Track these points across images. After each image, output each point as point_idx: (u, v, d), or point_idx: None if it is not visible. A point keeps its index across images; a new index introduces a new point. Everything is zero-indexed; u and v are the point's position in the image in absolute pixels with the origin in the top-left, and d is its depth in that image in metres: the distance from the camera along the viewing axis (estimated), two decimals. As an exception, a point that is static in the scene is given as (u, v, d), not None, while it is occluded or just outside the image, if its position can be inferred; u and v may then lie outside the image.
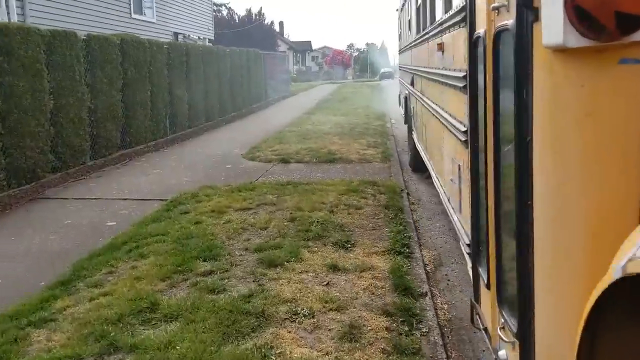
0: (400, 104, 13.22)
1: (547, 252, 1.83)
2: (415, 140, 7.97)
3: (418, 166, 8.91)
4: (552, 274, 1.82)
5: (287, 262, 4.85)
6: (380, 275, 4.56)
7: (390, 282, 4.41)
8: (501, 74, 2.31)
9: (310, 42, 78.69)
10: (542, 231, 1.85)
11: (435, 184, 5.40)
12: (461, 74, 3.18)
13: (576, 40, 1.50)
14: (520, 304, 2.05)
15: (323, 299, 4.09)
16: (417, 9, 7.28)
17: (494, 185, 2.43)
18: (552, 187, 1.77)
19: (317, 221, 6.03)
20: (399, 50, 12.95)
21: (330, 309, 3.94)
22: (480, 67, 2.71)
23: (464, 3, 3.05)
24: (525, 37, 1.87)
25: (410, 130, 9.03)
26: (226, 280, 4.51)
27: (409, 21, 8.80)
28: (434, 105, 4.91)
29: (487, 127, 2.52)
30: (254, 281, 4.50)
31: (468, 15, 2.96)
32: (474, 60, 2.86)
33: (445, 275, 5.00)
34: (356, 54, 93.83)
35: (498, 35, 2.28)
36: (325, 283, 4.41)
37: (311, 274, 4.61)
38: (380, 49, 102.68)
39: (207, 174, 9.48)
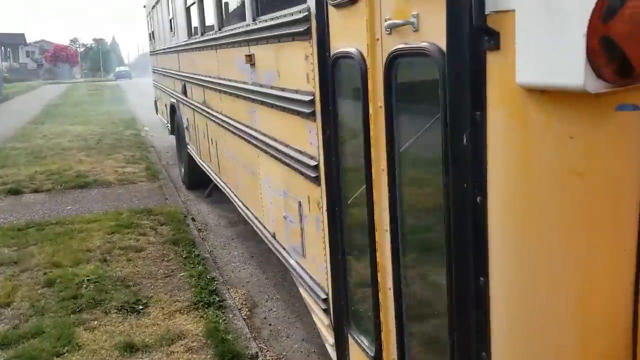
0: (158, 111, 12.19)
1: (517, 349, 1.49)
2: (195, 156, 7.24)
3: (194, 183, 8.21)
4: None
5: (57, 355, 3.59)
6: (195, 344, 3.75)
7: (211, 350, 3.66)
8: (400, 109, 1.90)
9: (23, 34, 68.43)
10: (507, 323, 1.50)
11: (241, 211, 4.83)
12: (306, 98, 2.70)
13: (598, 84, 1.16)
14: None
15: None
16: (188, 9, 6.55)
17: (391, 242, 2.02)
18: (525, 265, 1.44)
19: (88, 279, 4.76)
20: (153, 51, 11.88)
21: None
22: (349, 96, 2.28)
23: (307, 12, 2.57)
24: (470, 70, 1.48)
25: (183, 143, 8.22)
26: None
27: (172, 21, 7.97)
28: (238, 125, 4.34)
29: (374, 171, 2.10)
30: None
31: (316, 28, 2.50)
32: (330, 84, 2.41)
33: (264, 318, 4.49)
34: (82, 49, 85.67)
35: (394, 60, 1.86)
36: (126, 375, 3.41)
37: (100, 366, 3.52)
38: (112, 45, 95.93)
39: None
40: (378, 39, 1.97)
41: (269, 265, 5.39)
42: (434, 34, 1.65)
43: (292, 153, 3.04)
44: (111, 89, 38.06)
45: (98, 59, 75.58)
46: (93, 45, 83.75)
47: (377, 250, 2.15)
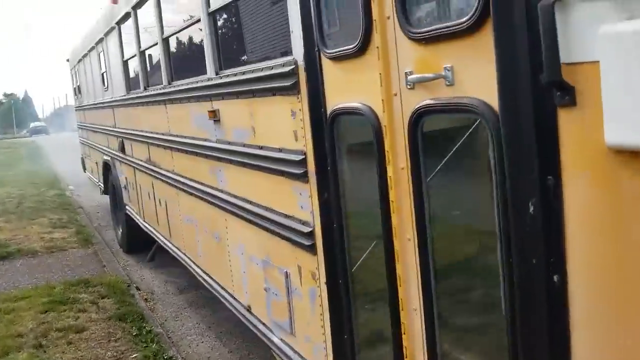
0: (87, 169, 11.45)
1: None
2: (137, 218, 6.71)
3: (134, 246, 7.62)
4: None
5: None
6: None
7: None
8: (431, 172, 1.70)
9: None
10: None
11: (202, 280, 4.40)
12: (295, 157, 2.45)
13: None
14: None
15: None
16: (126, 62, 6.20)
17: (425, 326, 1.77)
18: None
19: (22, 373, 4.14)
20: (79, 106, 11.26)
21: None
22: (355, 156, 2.07)
23: (294, 65, 2.36)
24: (535, 129, 1.31)
25: (120, 204, 7.66)
26: None
27: (105, 74, 7.55)
28: (197, 185, 3.99)
29: (397, 242, 1.87)
30: None
31: (306, 82, 2.28)
32: (328, 142, 2.18)
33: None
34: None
35: (419, 118, 1.68)
36: None
37: None
38: (25, 99, 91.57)
39: None
40: (396, 94, 1.78)
41: (230, 337, 4.93)
42: (476, 88, 1.48)
43: (276, 218, 2.75)
44: (27, 146, 35.90)
45: (10, 114, 71.71)
46: (4, 101, 79.65)
47: (403, 332, 1.89)
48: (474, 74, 1.48)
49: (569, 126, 1.26)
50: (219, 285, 3.94)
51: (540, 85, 1.28)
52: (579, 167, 1.26)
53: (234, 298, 3.63)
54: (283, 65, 2.47)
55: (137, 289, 6.29)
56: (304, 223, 2.50)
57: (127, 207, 7.30)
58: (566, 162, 1.27)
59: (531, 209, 1.35)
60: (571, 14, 1.19)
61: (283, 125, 2.56)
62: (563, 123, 1.26)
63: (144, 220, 6.37)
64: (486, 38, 1.40)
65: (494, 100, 1.42)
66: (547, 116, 1.28)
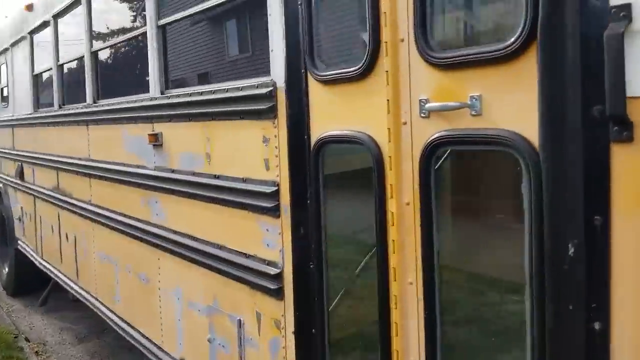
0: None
1: None
2: (33, 255, 6.03)
3: (22, 287, 6.84)
4: None
5: None
6: None
7: None
8: (444, 209, 1.61)
9: None
10: None
11: (118, 329, 3.95)
12: (264, 189, 2.27)
13: None
14: None
15: None
16: (36, 77, 5.70)
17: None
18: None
19: None
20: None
21: None
22: (344, 188, 1.95)
23: (272, 87, 2.22)
24: (583, 165, 1.27)
25: (10, 238, 6.87)
26: None
27: (6, 89, 6.90)
28: (122, 219, 3.62)
29: (394, 286, 1.74)
30: None
31: (287, 106, 2.15)
32: (312, 173, 2.05)
33: None
34: None
35: (435, 149, 1.60)
36: None
37: None
38: None
39: None
40: (405, 123, 1.70)
41: (143, 394, 4.46)
42: (509, 119, 1.43)
43: (231, 257, 2.52)
44: None
45: None
46: None
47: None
48: (507, 104, 1.43)
49: (624, 163, 1.23)
50: (142, 334, 3.54)
51: (591, 118, 1.25)
52: (632, 206, 1.22)
53: (162, 350, 3.26)
54: (257, 86, 2.32)
55: (26, 339, 5.56)
56: (269, 263, 2.30)
57: (19, 242, 6.56)
58: (617, 201, 1.24)
59: (571, 250, 1.30)
60: (634, 44, 1.18)
61: (250, 152, 2.39)
62: (617, 159, 1.24)
63: (42, 258, 5.73)
64: (528, 66, 1.36)
65: (531, 133, 1.37)
66: (598, 152, 1.25)
